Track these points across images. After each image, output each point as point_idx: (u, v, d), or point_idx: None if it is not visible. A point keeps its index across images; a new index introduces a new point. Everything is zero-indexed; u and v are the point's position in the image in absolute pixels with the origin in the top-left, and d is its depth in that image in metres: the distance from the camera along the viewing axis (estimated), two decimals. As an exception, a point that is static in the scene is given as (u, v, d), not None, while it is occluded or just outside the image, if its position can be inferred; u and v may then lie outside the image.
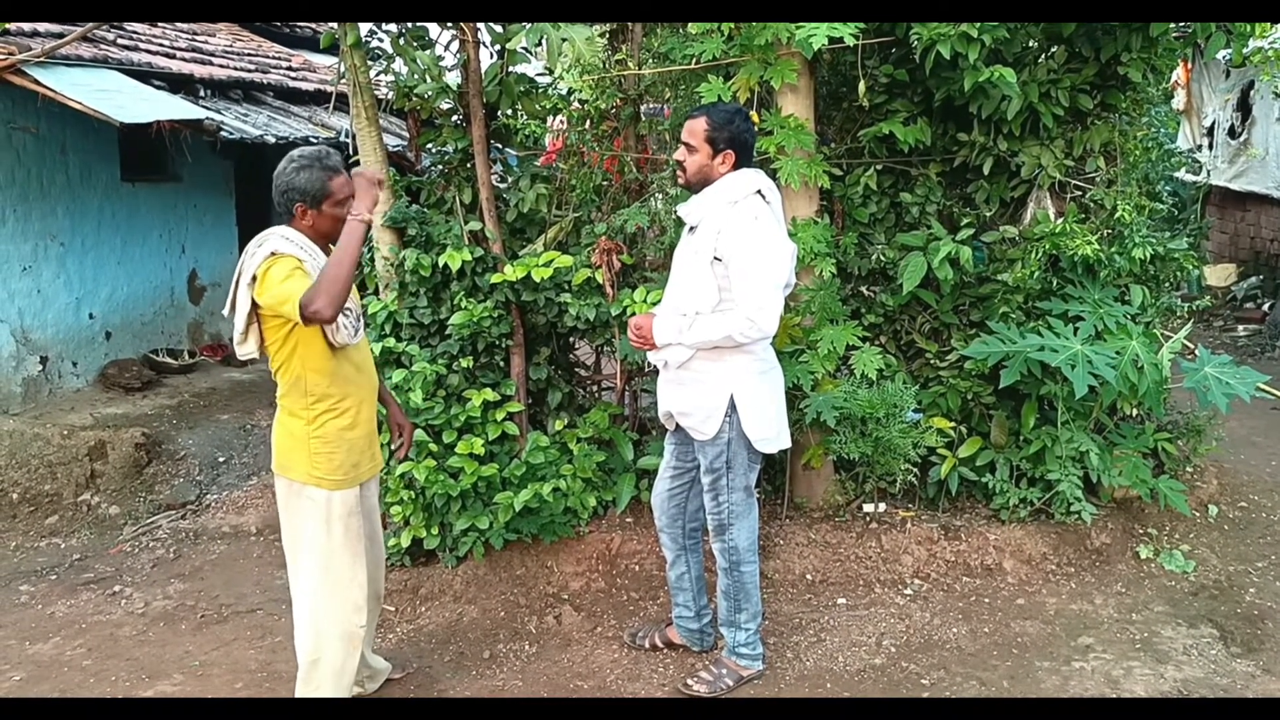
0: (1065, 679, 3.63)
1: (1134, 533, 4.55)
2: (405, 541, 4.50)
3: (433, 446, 4.45)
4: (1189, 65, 9.97)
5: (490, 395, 4.53)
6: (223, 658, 4.07)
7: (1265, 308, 8.97)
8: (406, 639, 4.18)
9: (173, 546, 5.15)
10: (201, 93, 7.48)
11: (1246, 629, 3.91)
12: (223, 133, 6.56)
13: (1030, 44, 4.34)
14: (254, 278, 3.10)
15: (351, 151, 4.78)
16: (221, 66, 8.21)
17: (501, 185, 4.96)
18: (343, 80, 4.58)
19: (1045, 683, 3.61)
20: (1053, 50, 4.31)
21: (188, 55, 8.00)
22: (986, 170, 4.42)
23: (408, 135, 5.11)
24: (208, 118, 6.52)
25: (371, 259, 4.76)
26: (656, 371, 4.88)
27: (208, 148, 7.62)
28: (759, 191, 3.38)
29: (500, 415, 4.56)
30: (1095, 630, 3.95)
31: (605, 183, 4.96)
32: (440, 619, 4.31)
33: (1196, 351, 4.32)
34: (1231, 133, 9.96)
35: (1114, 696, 3.52)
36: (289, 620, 4.33)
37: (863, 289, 4.69)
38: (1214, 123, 10.27)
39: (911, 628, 4.03)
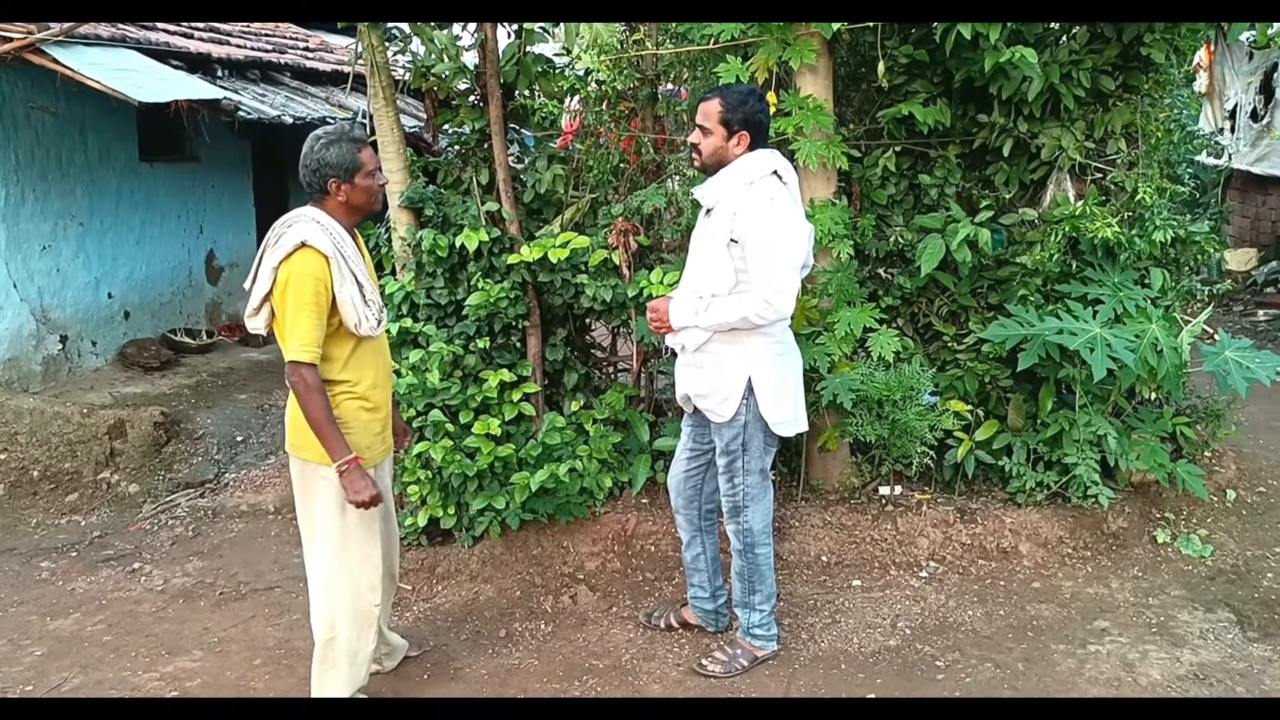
0: (1081, 662, 3.63)
1: (1151, 517, 4.53)
2: (422, 521, 4.52)
3: (449, 426, 4.46)
4: (1211, 47, 9.83)
5: (507, 376, 4.54)
6: (241, 634, 4.11)
7: (1286, 293, 8.90)
8: (423, 617, 4.20)
9: (191, 524, 5.19)
10: (219, 73, 7.49)
11: (1264, 614, 3.90)
12: (240, 113, 6.56)
13: (1052, 25, 4.29)
14: (275, 270, 3.11)
15: (369, 132, 4.79)
16: (239, 46, 8.21)
17: (518, 166, 4.95)
18: (360, 61, 4.58)
19: (1061, 665, 3.61)
20: (1074, 31, 4.26)
21: (205, 35, 8.01)
22: (1006, 152, 4.39)
23: (425, 116, 5.11)
24: (225, 98, 6.52)
25: (389, 239, 4.77)
26: (674, 353, 4.90)
27: (225, 128, 7.63)
28: (775, 172, 3.37)
29: (517, 396, 4.57)
30: (1111, 614, 3.94)
31: (622, 164, 4.95)
32: (457, 598, 4.33)
33: (1216, 336, 4.28)
34: (1254, 116, 9.85)
35: (1122, 696, 3.51)
36: (306, 598, 4.35)
37: (880, 271, 4.67)
38: (1236, 105, 10.16)
39: (926, 610, 4.03)
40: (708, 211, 3.46)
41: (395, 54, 4.69)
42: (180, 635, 4.11)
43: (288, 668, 3.85)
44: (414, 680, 3.74)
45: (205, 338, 8.28)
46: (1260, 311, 8.73)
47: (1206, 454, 4.84)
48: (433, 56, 4.59)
